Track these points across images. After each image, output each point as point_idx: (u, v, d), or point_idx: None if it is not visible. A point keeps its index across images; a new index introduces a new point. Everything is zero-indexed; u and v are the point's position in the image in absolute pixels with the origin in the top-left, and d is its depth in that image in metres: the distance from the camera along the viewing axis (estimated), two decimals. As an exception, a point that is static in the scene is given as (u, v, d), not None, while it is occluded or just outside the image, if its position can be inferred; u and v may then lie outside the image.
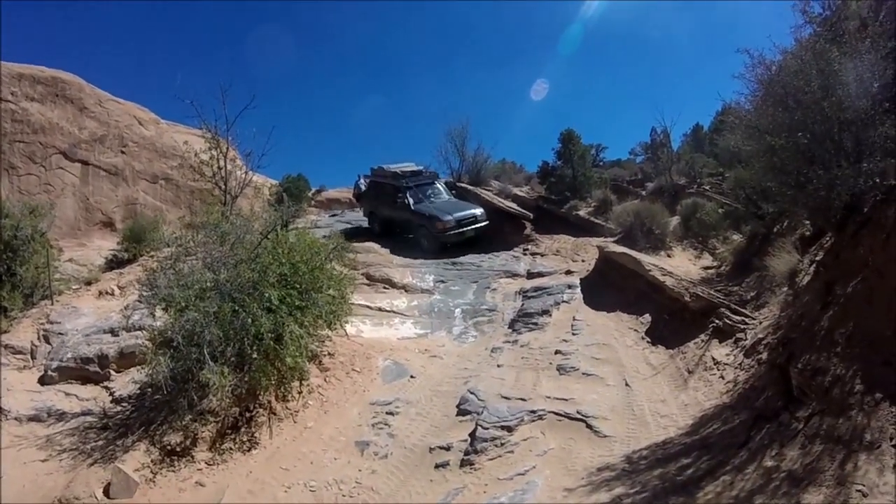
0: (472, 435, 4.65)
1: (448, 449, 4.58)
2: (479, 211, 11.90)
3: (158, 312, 4.86)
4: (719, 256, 7.92)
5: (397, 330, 7.52)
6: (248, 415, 4.95)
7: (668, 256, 8.45)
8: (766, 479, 3.08)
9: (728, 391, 4.59)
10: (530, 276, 9.69)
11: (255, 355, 4.82)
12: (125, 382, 5.64)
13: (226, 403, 4.69)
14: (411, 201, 11.89)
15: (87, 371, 5.98)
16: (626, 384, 5.43)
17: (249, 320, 4.77)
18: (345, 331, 6.12)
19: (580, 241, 10.89)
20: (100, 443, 4.72)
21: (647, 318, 6.83)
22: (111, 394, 5.62)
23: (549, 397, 5.22)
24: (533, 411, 4.91)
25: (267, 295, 4.87)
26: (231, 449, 4.64)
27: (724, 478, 3.29)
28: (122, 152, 10.34)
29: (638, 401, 5.07)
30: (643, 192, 11.82)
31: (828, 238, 4.87)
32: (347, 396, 5.66)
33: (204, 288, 4.91)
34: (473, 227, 11.54)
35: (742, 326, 5.41)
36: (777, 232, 6.53)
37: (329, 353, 6.09)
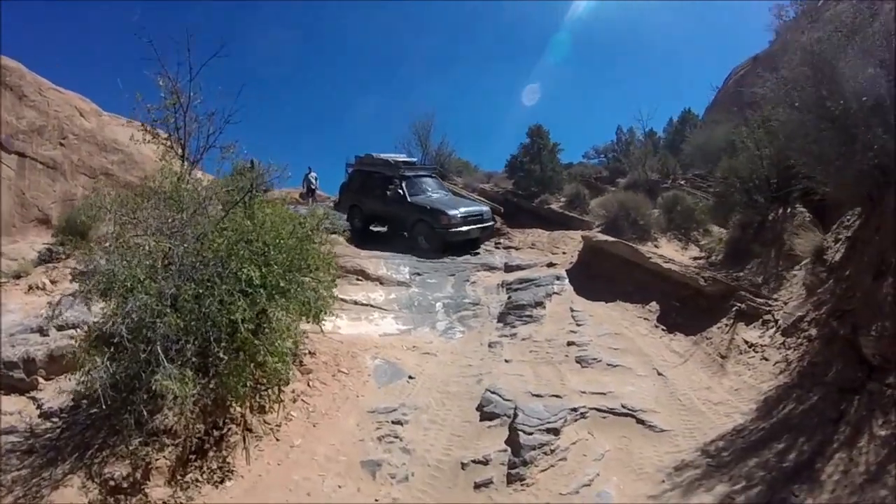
0: (513, 442, 4.01)
1: (486, 463, 3.88)
2: (486, 208, 10.87)
3: (97, 305, 3.68)
4: (706, 247, 8.04)
5: (378, 325, 6.71)
6: (216, 433, 3.87)
7: (656, 247, 8.46)
8: (888, 447, 2.88)
9: (782, 371, 4.40)
10: (508, 268, 9.33)
11: (222, 354, 3.78)
12: (56, 392, 4.29)
13: (187, 420, 3.59)
14: (408, 193, 10.60)
15: (11, 378, 4.56)
16: (659, 373, 5.12)
17: (216, 306, 3.74)
18: (320, 327, 5.16)
19: (556, 234, 10.72)
20: (23, 472, 3.38)
21: (655, 306, 6.64)
22: (39, 406, 4.24)
23: (583, 392, 4.74)
24: (574, 409, 4.38)
25: (246, 272, 3.86)
26: (198, 481, 3.56)
27: (839, 455, 3.06)
28: (62, 145, 9.29)
29: (680, 390, 4.75)
30: (612, 189, 12.00)
31: (853, 215, 4.92)
32: (338, 404, 4.73)
33: (156, 266, 3.80)
34: (480, 226, 10.39)
35: (767, 308, 5.32)
36: (773, 219, 6.67)
37: (310, 352, 5.11)
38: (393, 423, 4.49)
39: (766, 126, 6.09)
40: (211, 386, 3.81)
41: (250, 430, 4.06)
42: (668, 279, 6.80)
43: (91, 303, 3.70)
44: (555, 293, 7.74)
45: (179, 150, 4.82)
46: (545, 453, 3.88)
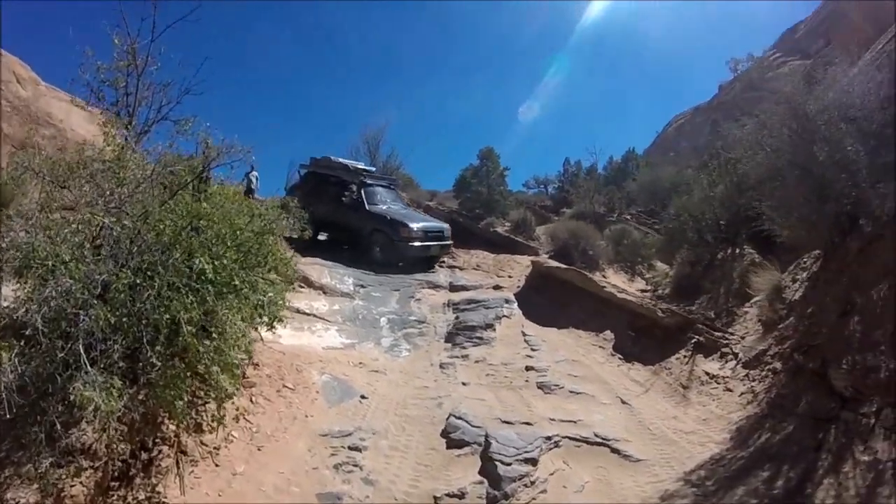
0: (489, 474, 3.74)
1: (462, 496, 3.56)
2: (445, 226, 10.49)
3: (8, 286, 2.92)
4: (652, 280, 8.43)
5: (321, 337, 6.19)
6: (145, 456, 3.19)
7: (604, 277, 8.73)
8: (874, 471, 3.04)
9: (750, 402, 4.57)
10: (454, 288, 9.16)
11: (156, 359, 3.16)
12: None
13: (110, 438, 2.92)
14: (366, 201, 10.11)
15: None
16: (623, 402, 5.14)
17: (154, 301, 3.14)
18: (260, 335, 4.61)
19: (501, 256, 10.74)
20: None
21: (609, 334, 6.76)
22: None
23: (552, 419, 4.61)
24: (548, 437, 4.22)
25: (198, 262, 3.31)
26: (118, 515, 2.87)
27: (827, 481, 3.18)
28: (-9, 111, 7.95)
29: (648, 419, 4.78)
30: (556, 217, 12.36)
31: (810, 257, 5.34)
32: (285, 424, 4.17)
33: (84, 245, 3.14)
34: (439, 243, 10.05)
35: (724, 341, 5.59)
36: (722, 258, 7.15)
37: (253, 363, 4.51)
38: (350, 448, 4.02)
39: (731, 168, 6.54)
40: (140, 397, 3.16)
41: (185, 453, 3.41)
42: (621, 308, 6.99)
43: (2, 283, 2.94)
44: (504, 316, 7.66)
45: (127, 118, 4.12)
46: (525, 485, 3.64)
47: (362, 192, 10.21)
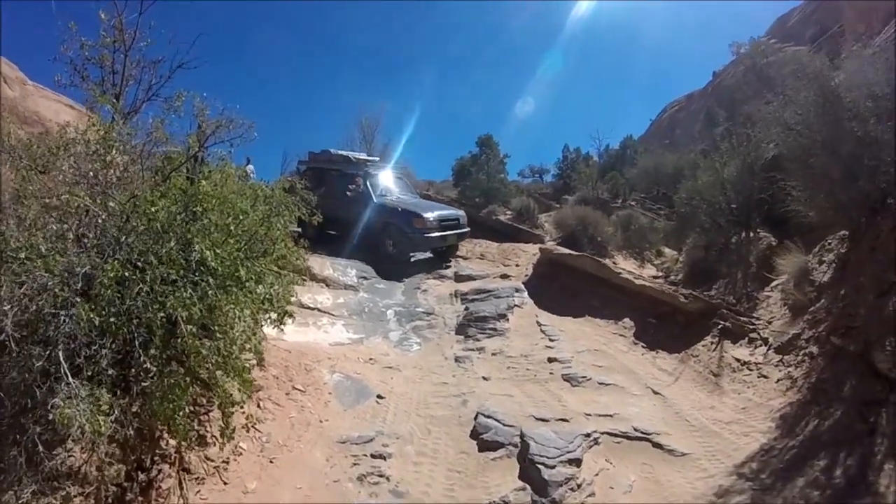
0: (531, 479, 3.41)
1: (505, 507, 3.22)
2: (461, 213, 9.88)
3: None
4: (663, 266, 8.20)
5: (327, 333, 5.85)
6: (142, 477, 2.77)
7: (615, 264, 8.46)
8: None
9: (789, 388, 4.32)
10: (459, 278, 8.85)
11: (150, 365, 2.75)
12: None
13: (101, 460, 2.51)
14: (373, 192, 9.52)
15: None
16: (655, 392, 4.86)
17: (146, 297, 2.72)
18: (264, 333, 4.19)
19: (505, 245, 10.41)
20: None
21: (629, 322, 6.49)
22: None
23: (587, 414, 4.30)
24: (587, 435, 3.90)
25: (197, 250, 2.90)
26: (114, 549, 2.46)
27: (888, 466, 3.00)
28: (-22, 112, 7.27)
29: (684, 410, 4.50)
30: (557, 205, 12.09)
31: (835, 238, 5.13)
32: (299, 432, 3.78)
33: (66, 236, 2.71)
34: (456, 232, 9.41)
35: (752, 326, 5.35)
36: (737, 242, 6.92)
37: (259, 364, 4.09)
38: (373, 456, 3.65)
39: (745, 148, 6.30)
40: (134, 409, 2.75)
41: (188, 471, 3.00)
42: (639, 295, 6.72)
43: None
44: (516, 306, 7.39)
45: (113, 98, 3.66)
46: (572, 489, 3.31)
47: (368, 183, 9.60)
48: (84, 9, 3.93)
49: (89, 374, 2.55)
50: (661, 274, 8.03)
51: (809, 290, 4.98)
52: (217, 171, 3.58)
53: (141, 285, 2.74)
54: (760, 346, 5.10)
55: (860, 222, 4.61)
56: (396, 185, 10.30)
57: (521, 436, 3.80)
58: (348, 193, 9.69)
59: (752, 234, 6.82)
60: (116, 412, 2.57)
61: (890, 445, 3.12)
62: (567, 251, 8.06)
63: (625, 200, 11.91)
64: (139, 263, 2.83)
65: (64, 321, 2.49)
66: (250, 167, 12.76)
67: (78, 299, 2.55)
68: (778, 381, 4.50)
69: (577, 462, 3.54)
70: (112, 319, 2.64)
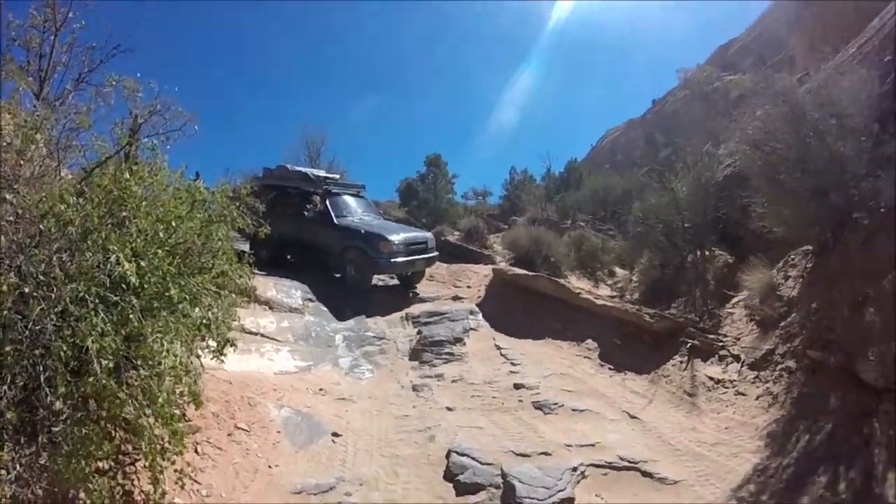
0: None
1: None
2: (429, 235, 9.28)
3: None
4: (617, 286, 8.26)
5: (272, 361, 5.28)
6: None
7: (569, 283, 8.42)
8: None
9: (771, 405, 4.27)
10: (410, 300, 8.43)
11: (61, 405, 2.17)
12: None
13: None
14: (333, 213, 8.73)
15: None
16: (631, 416, 4.67)
17: (55, 321, 2.18)
18: (201, 363, 3.57)
19: (455, 267, 10.12)
20: None
21: (592, 343, 6.34)
22: None
23: (568, 445, 3.99)
24: (574, 469, 3.57)
25: (115, 260, 2.36)
26: None
27: (891, 475, 2.97)
28: None
29: (665, 433, 4.33)
30: (504, 226, 12.04)
31: (800, 253, 5.29)
32: (245, 481, 3.16)
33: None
34: (424, 256, 8.72)
35: (720, 343, 5.35)
36: (693, 260, 7.08)
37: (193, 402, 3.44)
38: (334, 508, 3.12)
39: (700, 167, 6.49)
40: (41, 462, 2.13)
41: (102, 545, 2.32)
42: (600, 316, 6.63)
43: None
44: (472, 329, 7.13)
45: (37, 86, 3.02)
46: (568, 533, 2.97)
47: (327, 202, 8.89)
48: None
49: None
50: (616, 293, 8.08)
51: (778, 304, 5.05)
52: (144, 166, 3.00)
53: (45, 305, 2.18)
54: (732, 363, 5.09)
55: (827, 237, 4.76)
56: (359, 206, 9.62)
57: (503, 475, 3.41)
58: (306, 213, 8.99)
59: (707, 253, 6.99)
60: (18, 468, 1.98)
61: (889, 455, 3.10)
62: (523, 272, 7.91)
63: (574, 221, 12.14)
64: (45, 279, 2.25)
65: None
66: (201, 182, 11.66)
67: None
68: (758, 397, 4.46)
69: (569, 501, 3.22)
70: (12, 350, 2.09)
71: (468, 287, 9.12)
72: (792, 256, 5.33)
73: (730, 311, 5.97)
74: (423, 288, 9.11)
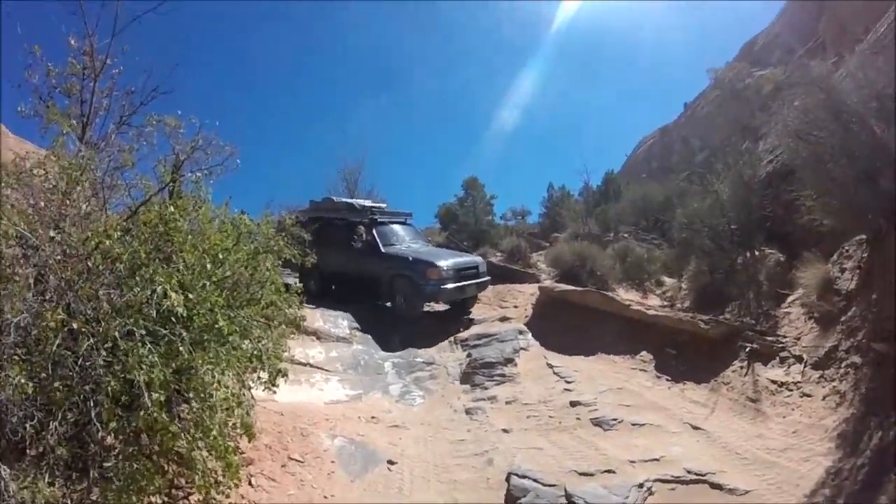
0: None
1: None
2: (479, 259, 9.17)
3: None
4: (666, 295, 8.09)
5: (322, 390, 5.49)
6: None
7: (618, 296, 8.32)
8: None
9: (839, 403, 4.07)
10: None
11: (112, 440, 2.39)
12: None
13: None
14: (380, 242, 8.78)
15: None
16: (694, 427, 4.52)
17: (104, 356, 2.36)
18: (251, 396, 3.76)
19: (500, 287, 10.17)
20: None
21: (647, 355, 6.22)
22: None
23: (632, 461, 3.92)
24: (640, 485, 3.52)
25: (161, 292, 2.52)
26: None
27: None
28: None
29: (731, 442, 4.18)
30: (546, 244, 12.06)
31: (852, 244, 5.10)
32: (303, 515, 3.32)
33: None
34: (475, 282, 8.57)
35: (780, 345, 5.17)
36: (742, 263, 6.89)
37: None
38: (397, 537, 3.22)
39: (743, 164, 6.39)
40: (93, 498, 2.28)
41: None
42: (652, 327, 6.50)
43: None
44: (522, 349, 7.12)
45: (80, 130, 3.42)
46: (639, 550, 2.95)
47: (374, 232, 8.89)
48: (50, 30, 3.78)
49: (33, 453, 2.16)
50: (666, 303, 7.91)
51: (836, 299, 4.86)
52: (189, 199, 3.18)
53: (91, 340, 2.30)
54: (794, 364, 4.88)
55: (880, 224, 4.58)
56: (407, 234, 9.62)
57: (568, 496, 3.38)
58: (354, 245, 9.03)
59: (757, 253, 6.80)
60: (69, 504, 2.16)
61: None
62: (570, 287, 7.87)
63: (616, 233, 12.01)
64: (93, 314, 2.39)
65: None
66: (245, 216, 12.39)
67: (16, 362, 2.16)
68: (824, 397, 4.26)
69: (636, 518, 3.18)
70: (56, 384, 2.20)
71: (515, 307, 9.13)
72: (846, 248, 5.11)
73: (786, 310, 5.75)
74: (470, 310, 9.22)
